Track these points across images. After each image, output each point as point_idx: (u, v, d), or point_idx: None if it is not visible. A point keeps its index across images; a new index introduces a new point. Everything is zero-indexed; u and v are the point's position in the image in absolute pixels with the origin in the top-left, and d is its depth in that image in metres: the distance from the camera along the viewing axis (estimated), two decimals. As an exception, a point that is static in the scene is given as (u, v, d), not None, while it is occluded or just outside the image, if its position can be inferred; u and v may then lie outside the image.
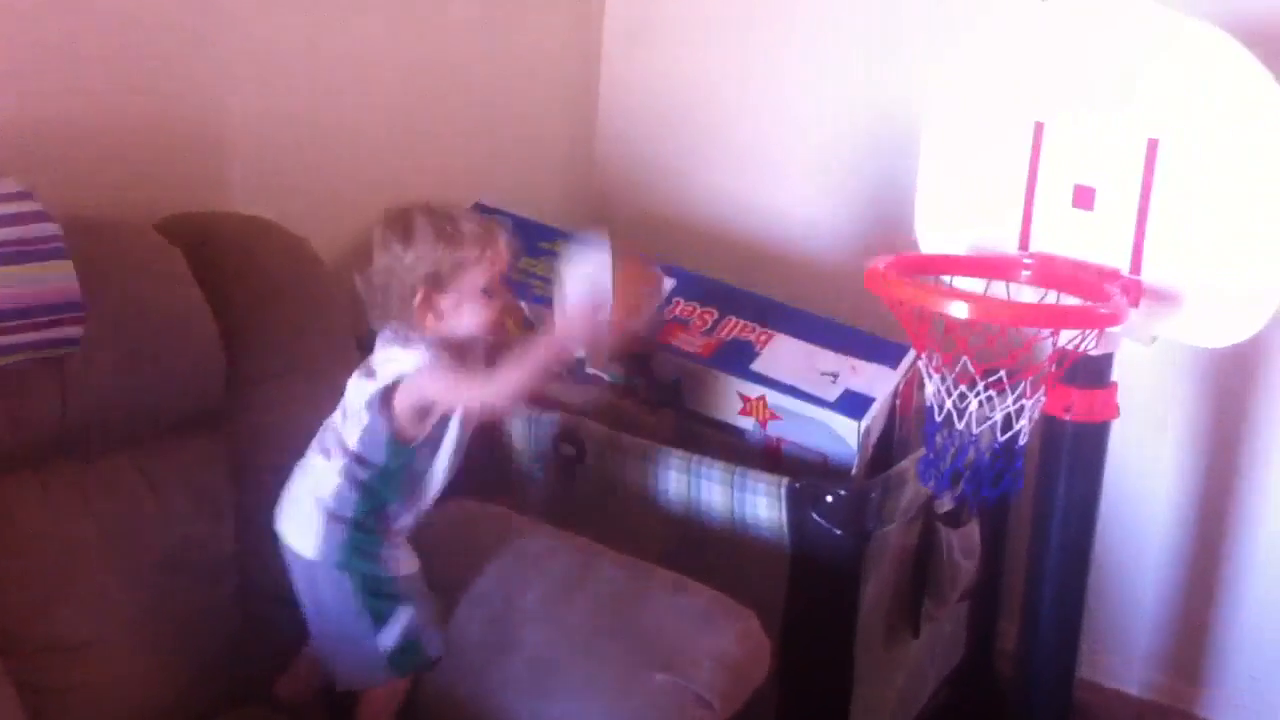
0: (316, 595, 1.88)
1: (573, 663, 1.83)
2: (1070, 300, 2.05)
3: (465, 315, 1.82)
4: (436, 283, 1.80)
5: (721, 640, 1.85)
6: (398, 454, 1.86)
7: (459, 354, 1.84)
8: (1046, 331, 1.98)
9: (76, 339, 1.80)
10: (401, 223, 1.81)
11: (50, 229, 1.76)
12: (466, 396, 1.86)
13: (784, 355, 2.30)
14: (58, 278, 1.76)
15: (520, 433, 2.35)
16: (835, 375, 2.26)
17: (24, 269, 1.73)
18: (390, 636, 1.86)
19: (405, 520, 1.90)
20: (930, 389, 2.05)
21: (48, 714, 1.74)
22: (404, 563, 1.90)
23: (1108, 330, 2.02)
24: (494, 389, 1.83)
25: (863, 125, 2.69)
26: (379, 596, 1.86)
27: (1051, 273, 2.08)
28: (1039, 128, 2.06)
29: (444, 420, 1.87)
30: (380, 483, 1.86)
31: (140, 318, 1.91)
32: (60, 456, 1.87)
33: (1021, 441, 2.04)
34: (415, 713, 1.89)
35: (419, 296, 1.80)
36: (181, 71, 2.16)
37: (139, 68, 2.10)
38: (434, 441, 1.87)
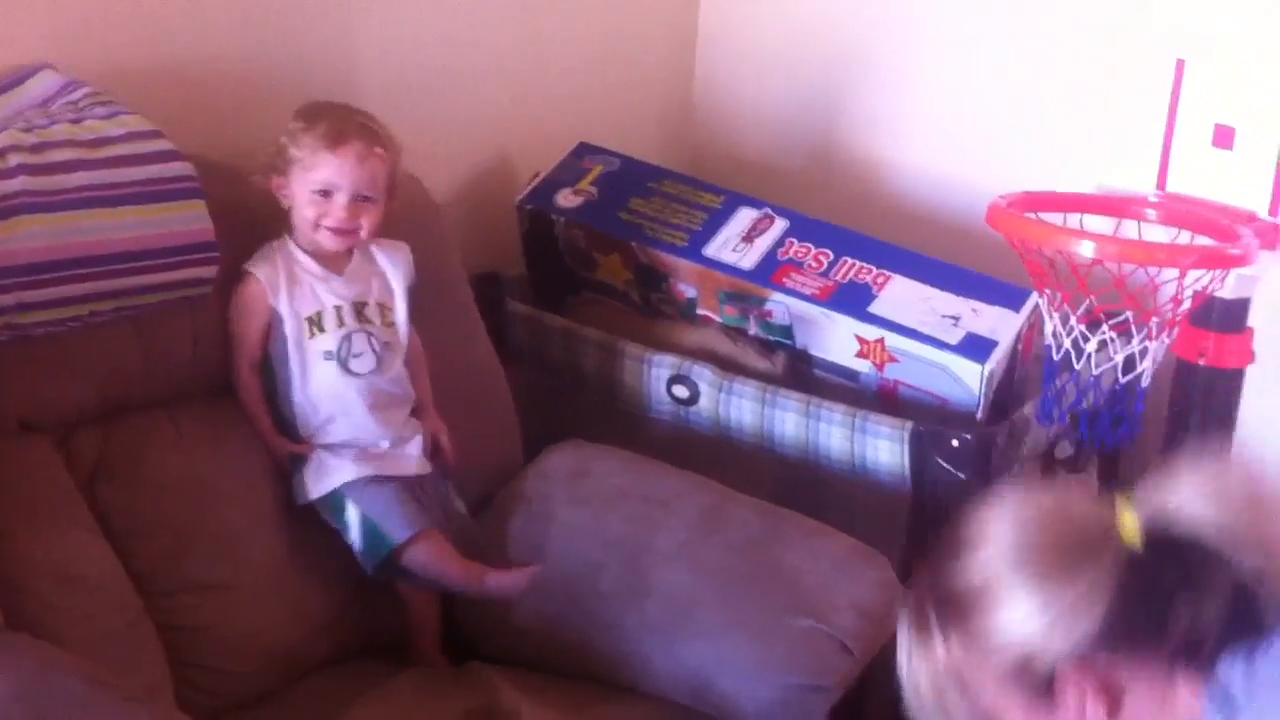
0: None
1: (712, 606, 1.82)
2: (1203, 241, 2.00)
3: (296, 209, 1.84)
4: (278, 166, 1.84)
5: (861, 587, 1.85)
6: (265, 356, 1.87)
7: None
8: (1173, 273, 1.94)
9: (210, 280, 1.77)
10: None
11: (183, 169, 1.73)
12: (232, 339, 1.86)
13: (903, 298, 2.25)
14: (191, 218, 1.72)
15: (631, 374, 2.33)
16: (956, 318, 2.21)
17: (157, 209, 1.70)
18: (356, 540, 1.86)
19: (328, 435, 1.87)
20: (1050, 328, 2.01)
21: (182, 651, 1.75)
22: (335, 475, 1.86)
23: (1241, 273, 1.98)
24: (234, 374, 1.86)
25: (980, 69, 2.61)
26: (333, 512, 1.87)
27: (1182, 212, 2.04)
28: (1180, 65, 2.01)
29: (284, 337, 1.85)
30: (267, 381, 1.88)
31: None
32: (190, 396, 1.86)
33: (1143, 385, 2.01)
34: (553, 657, 1.88)
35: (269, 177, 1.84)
36: (310, 9, 2.15)
37: (267, 6, 2.08)
38: (280, 354, 1.85)
